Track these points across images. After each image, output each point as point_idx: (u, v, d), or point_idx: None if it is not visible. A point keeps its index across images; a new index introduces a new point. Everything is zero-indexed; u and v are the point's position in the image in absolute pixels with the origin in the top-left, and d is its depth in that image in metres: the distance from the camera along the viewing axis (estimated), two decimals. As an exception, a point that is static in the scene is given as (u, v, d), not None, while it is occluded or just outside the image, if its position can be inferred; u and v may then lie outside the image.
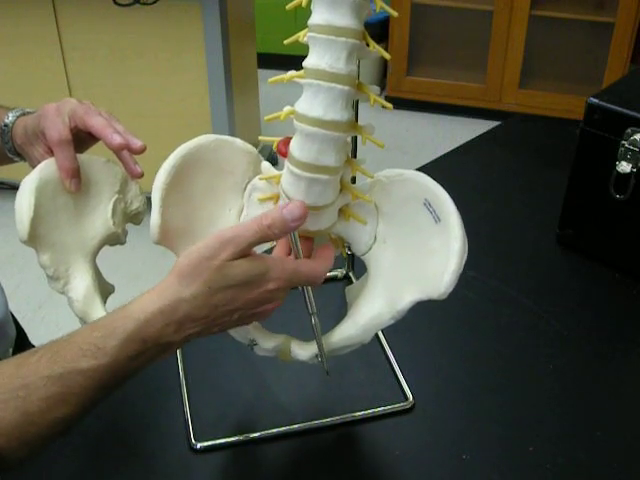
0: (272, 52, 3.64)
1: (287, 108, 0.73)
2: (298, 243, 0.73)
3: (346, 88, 0.69)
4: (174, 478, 0.90)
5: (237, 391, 1.01)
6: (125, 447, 0.93)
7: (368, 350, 1.01)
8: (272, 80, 0.73)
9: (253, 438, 0.94)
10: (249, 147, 0.82)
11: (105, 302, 0.84)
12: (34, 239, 0.77)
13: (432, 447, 0.94)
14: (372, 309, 0.77)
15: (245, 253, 0.67)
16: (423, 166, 1.48)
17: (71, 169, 0.80)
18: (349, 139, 0.74)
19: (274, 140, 0.76)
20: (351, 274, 1.18)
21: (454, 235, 0.73)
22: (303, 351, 0.78)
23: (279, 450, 0.93)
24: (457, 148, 1.63)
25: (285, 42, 0.73)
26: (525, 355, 1.07)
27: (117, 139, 0.81)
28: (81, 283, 0.80)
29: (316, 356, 0.78)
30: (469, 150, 1.62)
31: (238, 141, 0.81)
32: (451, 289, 0.72)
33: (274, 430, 0.94)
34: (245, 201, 0.81)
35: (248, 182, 0.81)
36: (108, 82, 2.69)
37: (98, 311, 0.79)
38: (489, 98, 3.64)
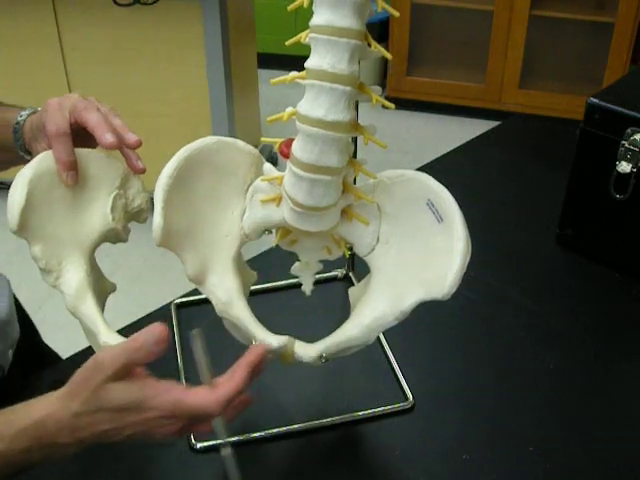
0: (272, 52, 3.64)
1: (289, 109, 0.73)
2: (202, 367, 0.71)
3: (348, 89, 0.69)
4: (174, 478, 0.90)
5: (238, 391, 1.01)
6: (125, 446, 0.93)
7: (368, 350, 1.00)
8: (275, 81, 0.73)
9: (253, 438, 0.94)
10: (251, 148, 0.82)
11: (105, 300, 0.84)
12: (25, 230, 0.77)
13: (432, 447, 0.94)
14: (376, 310, 0.77)
15: (122, 374, 0.67)
16: (423, 166, 1.48)
17: (68, 162, 0.79)
18: (351, 140, 0.74)
19: (276, 141, 0.76)
20: (351, 274, 1.18)
21: (457, 235, 0.73)
22: (307, 352, 0.77)
23: (279, 450, 0.93)
24: (457, 148, 1.63)
25: (287, 43, 0.73)
26: (525, 355, 1.07)
27: (109, 139, 0.80)
28: (74, 277, 0.78)
29: (320, 357, 0.78)
30: (469, 150, 1.63)
31: (240, 142, 0.81)
32: (455, 289, 0.72)
33: (274, 430, 0.94)
34: (247, 202, 0.81)
35: (250, 183, 0.81)
36: (108, 82, 2.69)
37: (89, 307, 0.77)
38: (489, 98, 3.64)
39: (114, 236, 0.84)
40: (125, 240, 0.86)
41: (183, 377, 1.01)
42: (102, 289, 0.84)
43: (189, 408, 0.67)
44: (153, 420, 0.67)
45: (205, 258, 0.80)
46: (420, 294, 0.75)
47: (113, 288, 0.87)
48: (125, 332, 1.08)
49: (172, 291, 1.19)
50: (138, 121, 2.75)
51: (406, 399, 0.98)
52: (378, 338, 1.06)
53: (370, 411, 0.96)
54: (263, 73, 3.13)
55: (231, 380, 0.70)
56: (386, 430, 0.96)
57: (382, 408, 0.97)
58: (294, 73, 0.72)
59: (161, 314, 1.12)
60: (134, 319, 1.12)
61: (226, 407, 0.68)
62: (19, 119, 0.89)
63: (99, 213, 0.82)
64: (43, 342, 1.25)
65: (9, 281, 1.15)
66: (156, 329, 0.68)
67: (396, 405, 0.97)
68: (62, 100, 0.83)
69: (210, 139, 0.79)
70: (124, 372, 0.67)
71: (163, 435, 0.69)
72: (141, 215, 0.88)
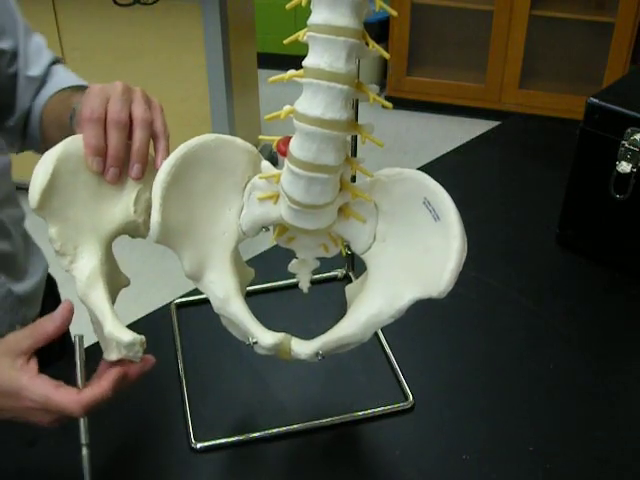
0: (272, 52, 3.64)
1: (287, 107, 0.73)
2: (78, 368, 0.75)
3: (345, 87, 0.69)
4: (174, 478, 0.90)
5: (237, 391, 1.01)
6: (125, 447, 0.93)
7: (368, 350, 1.01)
8: (272, 79, 0.73)
9: (253, 438, 0.94)
10: (249, 146, 0.82)
11: (117, 293, 0.84)
12: (45, 209, 0.75)
13: (432, 447, 0.94)
14: (372, 307, 0.77)
15: (18, 357, 0.74)
16: (423, 166, 1.48)
17: (95, 147, 0.78)
18: (349, 138, 0.74)
19: (274, 139, 0.76)
20: (351, 274, 1.17)
21: (453, 233, 0.73)
22: (304, 349, 0.77)
23: (279, 450, 0.93)
24: (457, 148, 1.63)
25: (285, 42, 0.73)
26: (525, 355, 1.07)
27: (94, 164, 0.79)
28: (88, 264, 0.78)
29: (317, 354, 0.78)
30: (469, 150, 1.62)
31: (238, 140, 0.81)
32: (450, 288, 0.72)
33: (274, 430, 0.94)
34: (245, 200, 0.81)
35: (248, 181, 0.81)
36: (108, 82, 2.69)
37: (99, 296, 0.77)
38: (489, 98, 3.64)
39: (133, 229, 0.83)
40: (144, 236, 0.84)
41: (183, 377, 1.01)
42: (116, 282, 0.84)
43: (55, 405, 0.72)
44: (27, 409, 0.74)
45: (203, 255, 0.80)
46: (416, 292, 0.75)
47: (127, 282, 0.87)
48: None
49: (172, 291, 1.20)
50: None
51: (406, 399, 0.98)
52: (378, 337, 1.06)
53: (370, 411, 0.96)
54: (263, 73, 3.13)
55: (97, 387, 0.74)
56: (386, 430, 0.96)
57: (382, 408, 0.97)
58: (292, 71, 0.72)
59: (161, 314, 1.12)
60: (134, 319, 1.12)
61: (89, 410, 0.73)
62: (76, 105, 0.90)
63: (122, 203, 0.81)
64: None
65: (47, 264, 1.18)
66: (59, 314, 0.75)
67: (396, 405, 0.97)
68: (105, 87, 0.82)
69: (208, 136, 0.79)
70: (23, 355, 0.74)
71: (39, 422, 0.76)
72: None
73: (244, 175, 0.81)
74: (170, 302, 1.14)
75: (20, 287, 1.06)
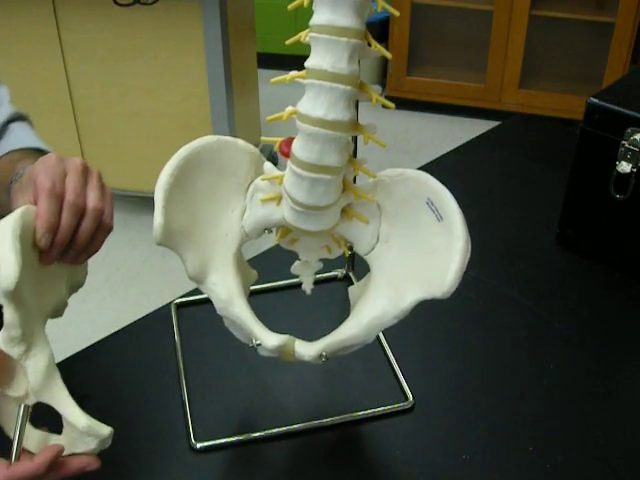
0: (272, 52, 3.65)
1: (289, 108, 0.73)
2: (16, 439, 0.72)
3: (348, 88, 0.69)
4: (174, 478, 0.90)
5: (237, 391, 1.01)
6: (125, 446, 0.93)
7: (368, 350, 1.01)
8: (274, 80, 0.73)
9: (253, 438, 0.94)
10: (251, 147, 0.82)
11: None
12: (18, 294, 0.70)
13: (432, 447, 0.94)
14: (375, 308, 0.77)
15: None
16: (423, 166, 1.48)
17: (52, 224, 0.74)
18: (351, 139, 0.74)
19: (276, 140, 0.76)
20: (351, 274, 1.18)
21: (457, 234, 0.73)
22: (307, 351, 0.77)
23: (279, 450, 0.93)
24: (457, 148, 1.63)
25: (286, 42, 0.73)
26: (525, 355, 1.07)
27: (43, 240, 0.74)
28: (42, 359, 0.73)
29: (320, 355, 0.78)
30: (469, 150, 1.63)
31: (240, 141, 0.81)
32: (454, 288, 0.72)
33: (274, 430, 0.94)
34: (247, 202, 0.81)
35: (250, 182, 0.81)
36: (108, 82, 2.69)
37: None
38: (489, 98, 3.64)
39: (58, 311, 0.81)
40: (61, 315, 0.82)
41: (183, 377, 1.01)
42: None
43: None
44: None
45: (205, 257, 0.80)
46: (420, 293, 0.75)
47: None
48: (125, 332, 1.10)
49: (172, 291, 1.20)
50: (138, 121, 2.77)
51: (406, 399, 0.98)
52: (378, 338, 1.06)
53: (370, 411, 0.96)
54: (263, 73, 3.13)
55: (30, 463, 0.70)
56: (386, 430, 0.96)
57: (382, 408, 0.97)
58: (294, 72, 0.72)
59: (161, 314, 1.13)
60: (134, 319, 1.12)
61: None
62: (22, 169, 0.87)
63: (57, 286, 0.80)
64: None
65: None
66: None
67: (396, 405, 0.97)
68: (63, 160, 0.78)
69: (210, 138, 0.79)
70: None
71: None
72: (77, 289, 0.86)
73: (246, 176, 0.81)
74: (170, 302, 1.14)
75: None
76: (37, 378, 0.72)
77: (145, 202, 2.95)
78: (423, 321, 1.09)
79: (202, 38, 2.53)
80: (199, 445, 0.92)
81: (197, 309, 1.13)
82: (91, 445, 0.73)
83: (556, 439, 0.94)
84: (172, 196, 0.76)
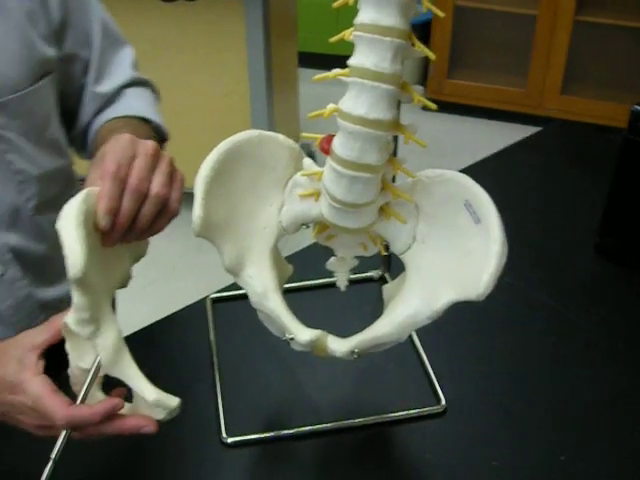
0: (313, 51, 3.65)
1: (331, 106, 0.73)
2: (85, 385, 0.74)
3: (390, 87, 0.69)
4: (204, 471, 0.91)
5: (270, 387, 1.01)
6: (156, 437, 0.94)
7: (402, 352, 1.01)
8: (317, 78, 0.73)
9: (283, 435, 0.94)
10: (291, 143, 0.82)
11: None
12: (85, 279, 0.71)
13: (462, 451, 0.93)
14: (409, 308, 0.77)
15: (29, 352, 0.75)
16: (461, 170, 1.47)
17: (112, 207, 0.74)
18: (391, 138, 0.74)
19: (317, 137, 0.76)
20: (387, 275, 1.17)
21: (494, 237, 0.72)
22: (340, 347, 0.77)
23: (309, 448, 0.94)
24: (496, 153, 1.62)
25: (330, 40, 0.73)
26: (557, 362, 1.06)
27: (103, 222, 0.74)
28: (110, 336, 0.75)
29: (352, 352, 0.78)
30: (508, 155, 1.61)
31: (281, 137, 0.81)
32: (489, 291, 0.71)
33: (305, 428, 0.95)
34: (286, 196, 0.82)
35: (289, 178, 0.82)
36: (149, 75, 2.71)
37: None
38: (530, 103, 3.61)
39: (123, 284, 0.83)
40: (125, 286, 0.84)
41: (217, 371, 1.01)
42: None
43: (44, 408, 0.72)
44: (19, 405, 0.74)
45: (242, 249, 0.80)
46: (454, 294, 0.74)
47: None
48: (160, 325, 1.10)
49: (207, 286, 1.20)
50: (178, 116, 2.78)
51: (438, 402, 0.98)
52: (411, 339, 1.06)
53: (402, 413, 0.96)
54: (303, 72, 3.14)
55: (87, 407, 0.73)
56: (417, 433, 0.96)
57: (414, 410, 0.97)
58: (337, 70, 0.72)
59: (197, 308, 1.13)
60: (167, 312, 1.13)
61: (72, 426, 0.72)
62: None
63: (121, 264, 0.81)
64: None
65: None
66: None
67: (428, 408, 0.97)
68: (135, 141, 0.79)
69: (252, 132, 0.80)
70: (38, 349, 0.75)
71: (24, 425, 0.76)
72: (139, 258, 0.87)
73: (286, 171, 0.82)
74: (206, 297, 1.15)
75: (45, 293, 1.04)
76: (107, 354, 0.74)
77: (183, 196, 2.97)
78: (457, 324, 1.08)
79: (244, 35, 2.54)
80: (230, 440, 0.92)
81: (232, 304, 1.13)
82: (159, 415, 0.75)
83: (590, 449, 0.93)
84: (212, 189, 0.76)
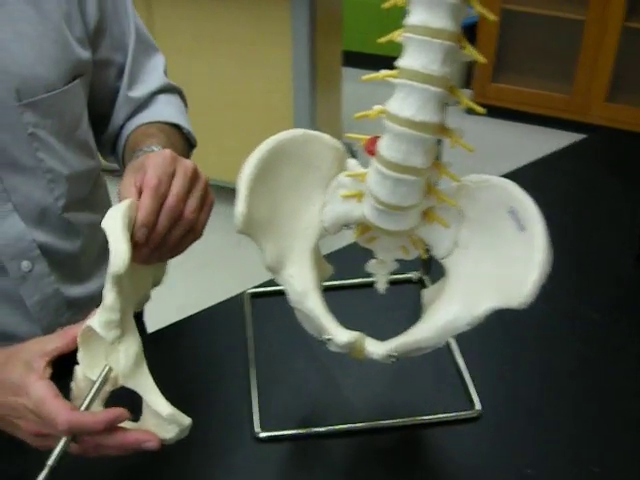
0: (357, 50, 3.65)
1: (377, 107, 0.73)
2: (91, 393, 0.74)
3: (439, 90, 0.68)
4: (235, 464, 0.91)
5: (304, 384, 1.01)
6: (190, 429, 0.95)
7: (437, 355, 1.00)
8: (365, 78, 0.73)
9: (315, 432, 0.94)
10: (336, 143, 0.82)
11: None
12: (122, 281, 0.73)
13: (495, 458, 0.92)
14: (449, 313, 0.76)
15: (38, 357, 0.75)
16: (502, 175, 1.45)
17: (150, 221, 0.76)
18: (436, 141, 0.74)
19: (362, 138, 0.76)
20: (426, 278, 1.17)
21: (538, 246, 0.72)
22: (377, 349, 0.77)
23: (340, 447, 0.94)
24: (539, 160, 1.60)
25: (379, 41, 0.73)
26: (596, 373, 1.05)
27: (139, 233, 0.76)
28: (132, 346, 0.76)
29: (390, 355, 0.77)
30: (551, 162, 1.59)
31: (326, 136, 0.81)
32: (531, 299, 0.71)
33: (337, 427, 0.95)
34: (329, 197, 0.82)
35: (333, 178, 0.81)
36: (193, 69, 2.73)
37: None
38: (574, 110, 3.57)
39: (143, 302, 0.85)
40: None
41: (253, 366, 1.02)
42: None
43: (46, 411, 0.71)
44: (20, 408, 0.73)
45: (284, 248, 0.80)
46: (495, 301, 0.74)
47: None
48: (197, 318, 1.11)
49: (243, 282, 1.21)
50: (219, 111, 2.80)
51: (473, 408, 0.97)
52: (448, 343, 1.05)
53: (435, 416, 0.96)
54: (347, 71, 3.13)
55: (90, 415, 0.72)
56: (449, 437, 0.95)
57: (447, 414, 0.96)
58: (385, 71, 0.72)
59: (234, 302, 1.14)
60: (203, 306, 1.14)
61: (72, 431, 0.71)
62: (147, 147, 0.93)
63: (144, 279, 0.83)
64: None
65: None
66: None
67: (462, 413, 0.96)
68: (176, 158, 0.81)
69: (297, 131, 0.80)
70: (47, 356, 0.75)
71: (22, 431, 0.75)
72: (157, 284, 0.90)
73: (329, 171, 0.82)
74: (243, 291, 1.15)
75: (73, 290, 1.05)
76: (127, 363, 0.75)
77: (222, 191, 2.98)
78: (497, 331, 1.07)
79: (290, 32, 2.55)
80: (262, 435, 0.93)
81: (269, 300, 1.13)
82: (170, 434, 0.74)
83: (625, 462, 0.92)
84: (256, 186, 0.77)
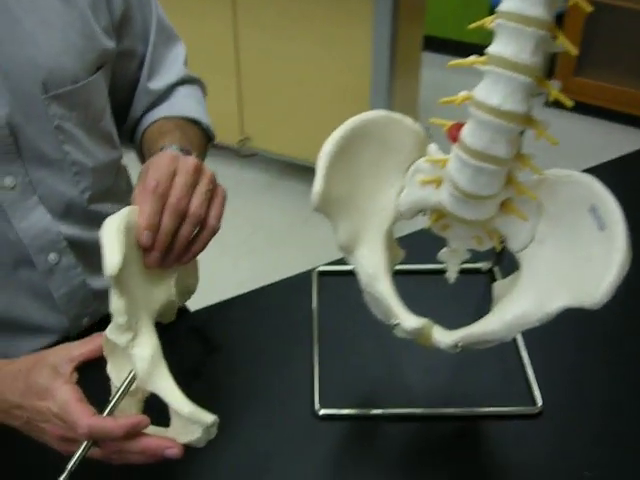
0: (437, 35, 3.60)
1: (463, 93, 0.72)
2: (114, 398, 0.74)
3: (528, 80, 0.67)
4: (291, 438, 0.92)
5: (366, 365, 1.02)
6: (247, 402, 0.96)
7: (502, 348, 0.99)
8: (452, 64, 0.72)
9: (374, 414, 0.95)
10: (418, 127, 0.81)
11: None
12: (120, 280, 0.74)
13: (553, 457, 0.91)
14: (520, 308, 0.75)
15: (65, 363, 0.76)
16: (582, 172, 1.42)
17: (152, 224, 0.77)
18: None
19: (445, 124, 0.75)
20: (496, 270, 1.15)
21: (618, 246, 0.70)
22: (445, 338, 0.77)
23: (397, 430, 0.94)
24: (620, 158, 1.56)
25: (470, 27, 0.72)
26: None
27: (143, 238, 0.78)
28: (148, 344, 0.76)
29: (456, 345, 0.77)
30: (632, 162, 1.55)
31: (408, 120, 0.81)
32: (606, 300, 0.69)
33: (396, 410, 0.95)
34: (407, 181, 0.81)
35: (412, 162, 0.81)
36: (273, 46, 2.73)
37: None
38: (660, 110, 3.46)
39: (169, 310, 0.85)
40: (168, 320, 0.87)
41: (316, 343, 1.02)
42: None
43: (68, 414, 0.71)
44: (45, 411, 0.73)
45: (358, 228, 0.80)
46: (568, 299, 0.72)
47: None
48: (264, 291, 1.12)
49: (309, 260, 1.21)
50: (297, 88, 2.81)
51: (534, 404, 0.96)
52: (514, 337, 1.04)
53: (495, 409, 0.95)
54: (426, 56, 3.10)
55: (111, 420, 0.72)
56: (508, 432, 0.94)
57: (507, 409, 0.95)
58: (474, 57, 0.71)
59: (301, 279, 1.14)
60: (267, 281, 1.14)
61: (93, 436, 0.71)
62: (163, 146, 0.93)
63: (164, 284, 0.83)
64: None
65: None
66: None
67: (523, 408, 0.95)
68: (176, 158, 0.81)
69: (379, 112, 0.79)
70: (73, 362, 0.76)
71: (48, 435, 0.75)
72: (188, 296, 0.92)
73: (409, 156, 0.81)
74: (312, 269, 1.16)
75: (98, 282, 1.05)
76: (143, 366, 0.75)
77: (292, 168, 3.00)
78: (564, 328, 1.05)
79: (371, 12, 2.52)
80: (322, 412, 0.93)
81: (337, 280, 1.14)
82: (196, 434, 0.74)
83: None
84: (335, 164, 0.77)
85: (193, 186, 0.80)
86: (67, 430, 0.73)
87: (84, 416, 0.70)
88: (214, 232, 0.83)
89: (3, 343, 0.98)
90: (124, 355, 0.76)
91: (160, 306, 0.83)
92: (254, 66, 2.82)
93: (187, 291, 0.90)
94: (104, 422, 0.71)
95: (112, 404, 0.74)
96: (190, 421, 0.73)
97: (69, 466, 0.71)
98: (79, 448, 0.72)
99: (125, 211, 0.76)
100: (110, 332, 0.75)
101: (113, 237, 0.73)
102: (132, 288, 0.76)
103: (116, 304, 0.74)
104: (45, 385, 0.74)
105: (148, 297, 0.80)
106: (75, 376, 0.75)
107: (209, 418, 0.74)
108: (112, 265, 0.72)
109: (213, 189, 0.82)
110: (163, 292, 0.83)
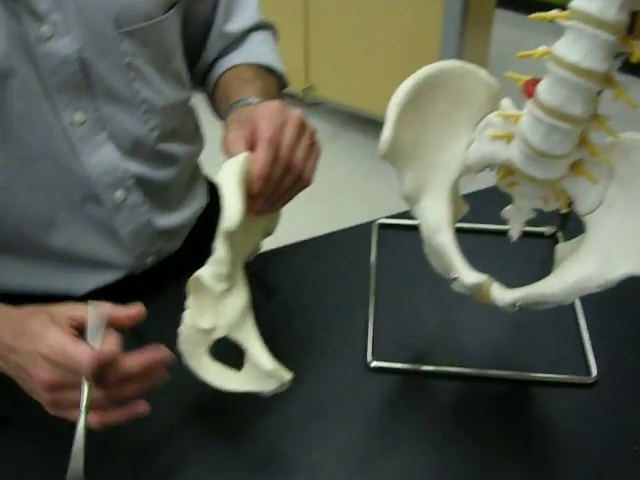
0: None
1: (542, 48, 0.70)
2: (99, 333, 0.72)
3: (611, 37, 0.65)
4: (342, 388, 0.93)
5: (420, 320, 1.01)
6: (299, 349, 0.97)
7: (559, 312, 0.97)
8: (533, 16, 0.70)
9: (425, 370, 0.94)
10: (492, 81, 0.79)
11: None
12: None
13: (603, 429, 0.90)
14: (582, 271, 0.73)
15: (60, 317, 0.73)
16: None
17: (268, 173, 0.77)
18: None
19: (522, 78, 0.73)
20: (559, 235, 1.13)
21: None
22: (503, 296, 0.76)
23: (447, 389, 0.93)
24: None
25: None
26: None
27: (256, 186, 0.77)
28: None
29: (514, 304, 0.76)
30: None
31: (483, 72, 0.79)
32: None
33: (447, 368, 0.94)
34: (477, 135, 0.79)
35: (484, 116, 0.79)
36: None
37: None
38: None
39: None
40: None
41: (373, 295, 1.02)
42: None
43: (68, 354, 0.69)
44: (37, 356, 0.71)
45: (423, 179, 0.79)
46: (632, 267, 0.71)
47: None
48: (323, 240, 1.12)
49: (368, 212, 1.21)
50: (365, 39, 2.78)
51: (589, 374, 0.94)
52: (573, 303, 1.02)
53: (548, 375, 0.94)
54: (497, 13, 3.02)
55: (105, 344, 0.71)
56: (559, 400, 0.93)
57: (561, 376, 0.94)
58: (555, 11, 0.68)
59: (361, 230, 1.14)
60: (326, 230, 1.14)
61: (98, 366, 0.69)
62: (244, 98, 0.93)
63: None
64: None
65: (206, 203, 1.19)
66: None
67: (577, 377, 0.94)
68: (284, 110, 0.82)
69: (454, 63, 0.78)
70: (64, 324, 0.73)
71: (35, 380, 0.72)
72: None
73: (481, 109, 0.79)
74: (372, 220, 1.15)
75: (164, 220, 1.06)
76: (234, 315, 0.77)
77: (355, 119, 2.98)
78: (625, 299, 1.03)
79: (445, -35, 2.47)
80: (374, 364, 0.94)
81: (397, 233, 1.13)
82: (269, 386, 0.76)
83: None
84: (405, 113, 0.75)
85: (299, 139, 0.81)
86: (61, 374, 0.71)
87: (86, 351, 0.69)
88: (307, 186, 0.84)
89: (67, 278, 0.99)
90: (207, 295, 0.77)
91: (250, 252, 0.84)
92: (323, 13, 2.79)
93: (268, 233, 0.91)
94: (104, 350, 0.70)
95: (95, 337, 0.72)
96: (268, 374, 0.75)
97: (82, 408, 0.70)
98: (83, 389, 0.70)
99: (241, 158, 0.76)
100: (209, 278, 0.76)
101: (234, 190, 0.74)
102: (237, 238, 0.76)
103: (223, 256, 0.75)
104: (38, 330, 0.72)
105: (243, 247, 0.82)
106: (72, 332, 0.72)
107: (287, 376, 0.76)
108: (233, 220, 0.73)
109: (312, 144, 0.84)
110: (254, 238, 0.85)
